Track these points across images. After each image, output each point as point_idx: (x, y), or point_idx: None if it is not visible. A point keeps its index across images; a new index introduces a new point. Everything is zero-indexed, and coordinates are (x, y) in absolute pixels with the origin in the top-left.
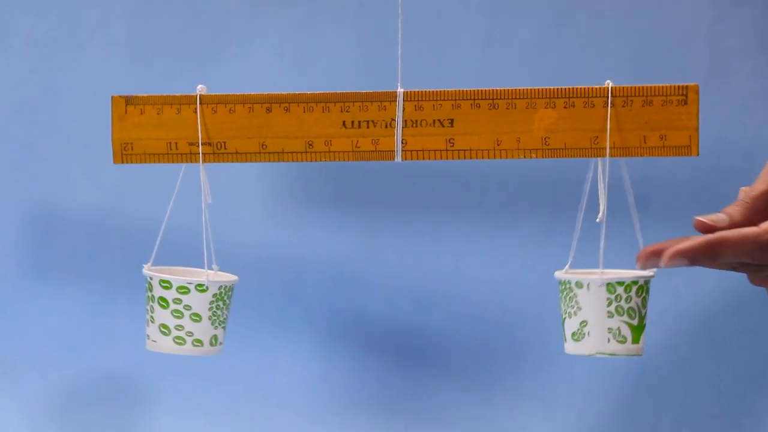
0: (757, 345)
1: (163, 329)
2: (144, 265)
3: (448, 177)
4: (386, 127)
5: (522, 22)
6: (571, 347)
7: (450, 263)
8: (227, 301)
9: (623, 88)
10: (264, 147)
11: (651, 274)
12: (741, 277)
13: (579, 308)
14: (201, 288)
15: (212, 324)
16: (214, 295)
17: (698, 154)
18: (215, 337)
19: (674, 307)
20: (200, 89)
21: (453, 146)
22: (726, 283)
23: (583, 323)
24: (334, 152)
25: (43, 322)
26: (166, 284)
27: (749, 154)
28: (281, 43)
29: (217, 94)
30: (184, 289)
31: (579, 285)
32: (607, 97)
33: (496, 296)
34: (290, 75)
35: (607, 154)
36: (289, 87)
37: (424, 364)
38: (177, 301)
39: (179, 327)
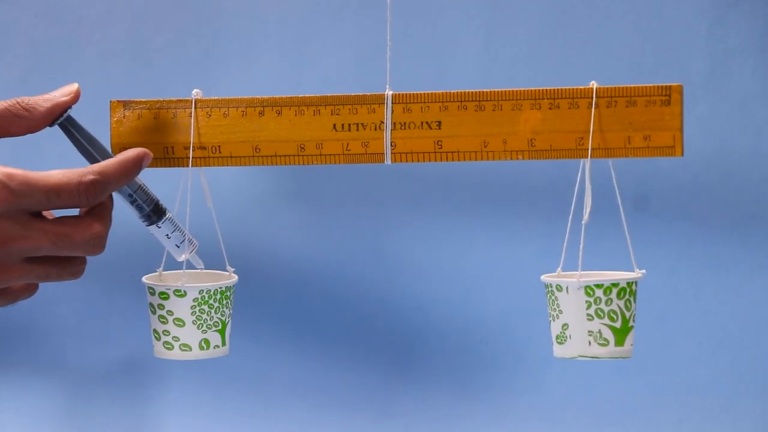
0: (757, 345)
1: (155, 334)
2: (157, 270)
3: (450, 176)
4: (375, 129)
5: (522, 23)
6: (556, 350)
7: (451, 263)
8: (215, 305)
9: (607, 88)
10: (257, 150)
11: (637, 275)
12: (741, 278)
13: (560, 311)
14: (179, 293)
15: (198, 328)
16: (195, 300)
17: (682, 155)
18: (205, 341)
19: (674, 307)
20: (195, 94)
21: (441, 148)
22: (726, 283)
23: (565, 326)
24: (326, 155)
25: (47, 321)
26: (151, 290)
27: (749, 154)
28: (279, 44)
29: (211, 98)
30: (164, 295)
31: (559, 288)
32: (592, 97)
33: (496, 296)
34: (289, 75)
35: (589, 155)
36: (286, 88)
37: (425, 364)
38: (161, 306)
39: (165, 332)
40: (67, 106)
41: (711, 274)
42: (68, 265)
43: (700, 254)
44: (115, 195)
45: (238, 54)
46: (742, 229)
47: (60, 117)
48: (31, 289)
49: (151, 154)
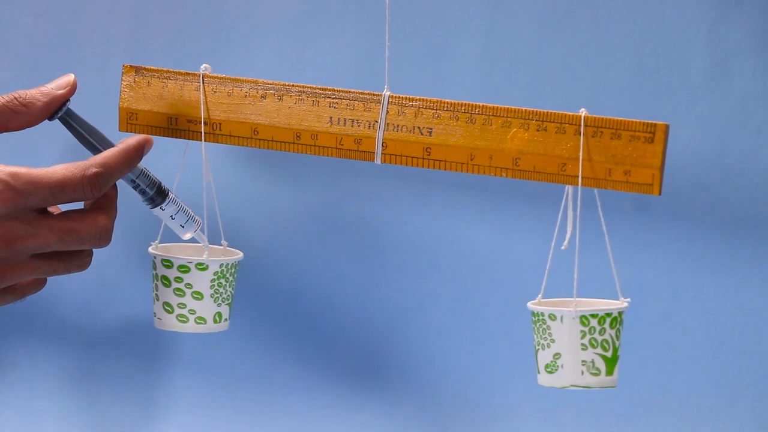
0: (757, 345)
1: (166, 307)
2: (151, 244)
3: (451, 175)
4: (369, 128)
5: (522, 23)
6: (544, 379)
7: (452, 262)
8: (230, 279)
9: (594, 118)
10: (255, 133)
11: (624, 305)
12: (741, 278)
13: (552, 340)
14: (201, 267)
15: (215, 302)
16: (215, 273)
17: (660, 194)
18: (219, 314)
19: (674, 308)
20: (204, 68)
21: (429, 155)
22: (726, 283)
23: (557, 355)
24: (319, 147)
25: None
26: (167, 263)
27: (749, 154)
28: (278, 45)
29: (218, 75)
30: (184, 268)
31: (552, 317)
32: (580, 125)
33: (497, 296)
34: (288, 76)
35: (579, 183)
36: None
37: (425, 364)
38: (178, 279)
39: (181, 305)
40: (64, 99)
41: (711, 274)
42: (75, 259)
43: (700, 254)
44: (118, 181)
45: (238, 54)
46: (742, 229)
47: (59, 111)
48: (39, 284)
49: (152, 140)
